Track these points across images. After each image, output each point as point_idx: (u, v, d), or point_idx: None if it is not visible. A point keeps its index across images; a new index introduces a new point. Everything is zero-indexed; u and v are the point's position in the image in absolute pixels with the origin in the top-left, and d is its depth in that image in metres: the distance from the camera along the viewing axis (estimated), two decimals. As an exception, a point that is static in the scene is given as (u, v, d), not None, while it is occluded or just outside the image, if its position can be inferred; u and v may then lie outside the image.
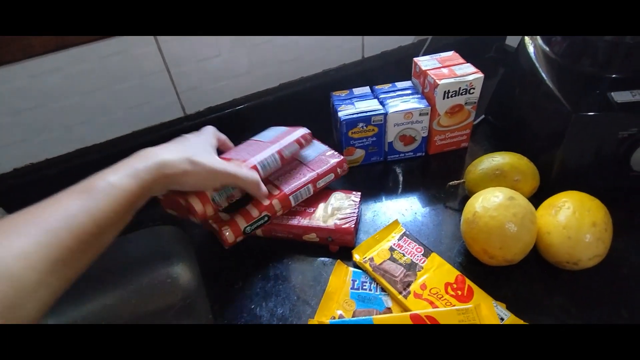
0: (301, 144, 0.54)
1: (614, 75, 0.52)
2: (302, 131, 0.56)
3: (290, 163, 0.56)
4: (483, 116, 0.71)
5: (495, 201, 0.45)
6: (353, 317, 0.44)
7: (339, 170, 0.56)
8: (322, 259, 0.52)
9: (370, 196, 0.60)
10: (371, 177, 0.64)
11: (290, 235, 0.53)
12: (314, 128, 0.66)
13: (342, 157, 0.56)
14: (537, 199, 0.51)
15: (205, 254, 0.55)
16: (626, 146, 0.50)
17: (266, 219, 0.50)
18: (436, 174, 0.64)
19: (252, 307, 0.47)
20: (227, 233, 0.47)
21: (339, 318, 0.44)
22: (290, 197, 0.51)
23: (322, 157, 0.57)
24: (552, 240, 0.45)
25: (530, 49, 0.59)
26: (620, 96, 0.49)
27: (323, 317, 0.44)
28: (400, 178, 0.63)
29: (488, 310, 0.41)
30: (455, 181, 0.57)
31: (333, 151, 0.58)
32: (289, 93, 0.72)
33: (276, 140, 0.53)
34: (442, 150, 0.65)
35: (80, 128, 0.59)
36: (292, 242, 0.53)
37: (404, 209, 0.58)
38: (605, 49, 0.51)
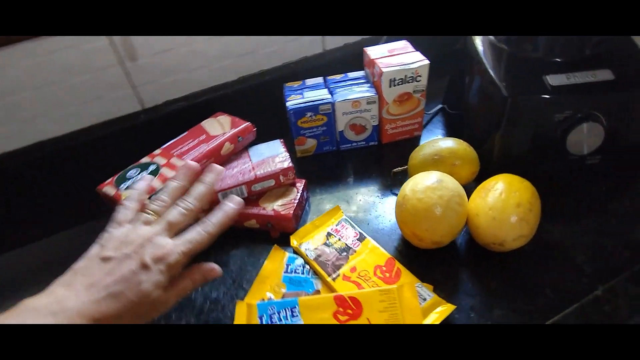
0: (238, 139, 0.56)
1: (554, 60, 0.52)
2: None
3: (238, 155, 0.57)
4: (440, 105, 0.71)
5: (424, 184, 0.46)
6: (282, 299, 0.45)
7: (281, 177, 0.53)
8: (263, 245, 0.52)
9: (320, 185, 0.61)
10: (323, 166, 0.64)
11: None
12: (274, 121, 0.67)
13: (290, 164, 0.54)
14: (478, 183, 0.51)
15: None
16: (562, 129, 0.50)
17: None
18: (388, 162, 0.64)
19: (189, 291, 0.48)
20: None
21: (268, 300, 0.45)
22: (219, 194, 0.52)
23: (271, 159, 0.55)
24: (480, 222, 0.45)
25: (477, 37, 0.59)
26: (556, 79, 0.49)
27: (253, 299, 0.45)
28: (352, 167, 0.64)
29: (410, 292, 0.41)
30: (399, 168, 0.57)
31: (287, 157, 0.55)
32: (248, 86, 0.72)
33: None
34: (395, 139, 0.66)
35: (37, 121, 0.61)
36: (234, 228, 0.54)
37: (351, 196, 0.58)
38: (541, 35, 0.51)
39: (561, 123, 0.50)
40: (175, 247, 0.34)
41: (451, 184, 0.46)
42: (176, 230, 0.36)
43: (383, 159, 0.65)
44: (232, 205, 0.39)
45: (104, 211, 0.59)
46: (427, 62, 0.59)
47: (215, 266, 0.39)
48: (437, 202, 0.44)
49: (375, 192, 0.58)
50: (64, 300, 0.30)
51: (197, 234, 0.36)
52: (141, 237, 0.34)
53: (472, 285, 0.45)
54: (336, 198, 0.58)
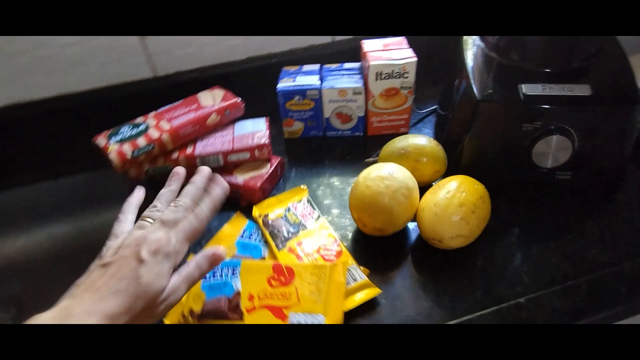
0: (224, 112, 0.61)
1: (538, 70, 0.51)
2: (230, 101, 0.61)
3: (224, 127, 0.62)
4: (435, 107, 0.71)
5: (376, 173, 0.48)
6: (230, 259, 0.48)
7: (257, 152, 0.57)
8: (230, 211, 0.56)
9: (299, 166, 0.64)
10: (306, 149, 0.67)
11: (206, 186, 0.58)
12: (274, 103, 0.70)
13: (267, 142, 0.57)
14: (441, 183, 0.52)
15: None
16: (530, 139, 0.50)
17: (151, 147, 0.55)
18: (369, 153, 0.66)
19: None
20: (113, 156, 0.54)
21: (216, 259, 0.49)
22: (197, 160, 0.56)
23: (251, 134, 0.58)
24: (424, 216, 0.46)
25: (466, 41, 0.59)
26: (530, 89, 0.49)
27: (204, 256, 0.49)
28: (334, 153, 0.66)
29: (340, 271, 0.44)
30: (371, 158, 0.59)
31: (266, 134, 0.58)
32: (254, 66, 0.76)
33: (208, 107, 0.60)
34: (381, 133, 0.67)
35: (60, 76, 0.68)
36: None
37: (325, 180, 0.61)
38: (528, 44, 0.51)
39: (530, 133, 0.50)
40: (169, 237, 0.36)
41: (401, 177, 0.47)
42: (172, 227, 0.37)
43: (366, 150, 0.67)
44: (218, 190, 0.42)
45: (101, 162, 0.66)
46: (414, 59, 0.60)
47: (216, 250, 0.39)
48: (383, 191, 0.46)
49: (348, 179, 0.61)
50: (69, 308, 0.31)
51: (187, 221, 0.38)
52: (136, 238, 0.35)
53: (408, 275, 0.47)
54: (310, 180, 0.61)
